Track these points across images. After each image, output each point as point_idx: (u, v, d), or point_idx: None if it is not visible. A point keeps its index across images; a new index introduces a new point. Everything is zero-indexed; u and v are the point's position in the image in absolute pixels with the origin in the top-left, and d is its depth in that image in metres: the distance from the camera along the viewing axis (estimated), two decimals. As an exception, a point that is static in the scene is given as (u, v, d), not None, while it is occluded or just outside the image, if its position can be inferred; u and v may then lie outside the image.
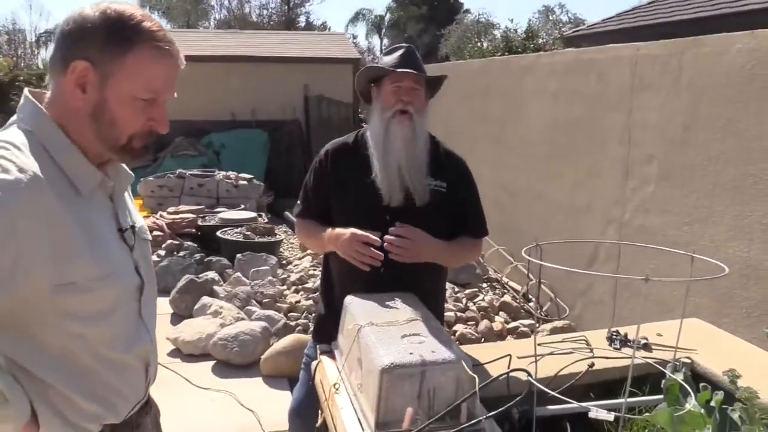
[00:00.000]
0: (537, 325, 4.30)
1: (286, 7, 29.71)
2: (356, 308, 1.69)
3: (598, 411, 1.16)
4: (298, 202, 2.13)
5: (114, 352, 1.16)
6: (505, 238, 5.08)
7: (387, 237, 1.83)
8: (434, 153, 1.99)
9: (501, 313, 4.49)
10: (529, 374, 1.35)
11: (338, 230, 1.90)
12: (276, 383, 3.57)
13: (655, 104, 3.45)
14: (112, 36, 1.08)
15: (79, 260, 1.07)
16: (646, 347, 2.07)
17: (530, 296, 4.88)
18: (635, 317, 3.21)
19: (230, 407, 3.34)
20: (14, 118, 1.13)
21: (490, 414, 1.30)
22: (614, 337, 2.12)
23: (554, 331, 3.86)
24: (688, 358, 2.00)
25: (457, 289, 4.68)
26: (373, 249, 1.82)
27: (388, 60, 1.94)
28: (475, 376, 1.32)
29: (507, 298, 4.70)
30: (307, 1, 30.49)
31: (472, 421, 1.28)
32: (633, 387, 1.79)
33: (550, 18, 21.79)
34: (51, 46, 1.15)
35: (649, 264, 3.41)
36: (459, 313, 4.27)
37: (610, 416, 1.16)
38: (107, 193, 1.19)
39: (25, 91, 1.14)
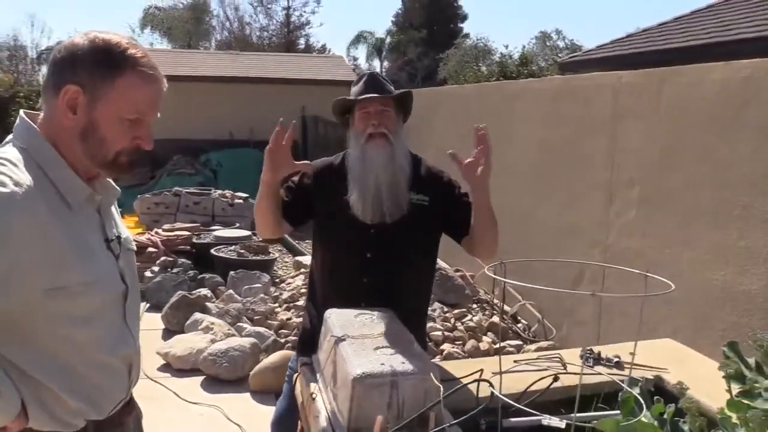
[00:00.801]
0: (521, 343, 4.36)
1: (286, 30, 30.10)
2: (334, 321, 1.77)
3: (550, 419, 1.23)
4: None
5: (100, 353, 1.25)
6: (493, 258, 5.16)
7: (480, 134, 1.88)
8: (416, 169, 2.08)
9: (489, 333, 4.56)
10: (491, 384, 1.42)
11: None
12: (264, 398, 3.63)
13: (637, 130, 3.56)
14: (100, 62, 1.18)
15: (69, 267, 1.16)
16: (618, 365, 2.14)
17: (519, 317, 4.95)
18: (620, 337, 3.29)
19: (218, 422, 3.39)
20: (10, 136, 1.23)
21: (454, 422, 1.38)
22: (587, 355, 2.20)
23: (539, 350, 3.92)
24: (659, 376, 2.08)
25: (446, 309, 4.75)
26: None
27: (355, 89, 2.05)
28: (441, 386, 1.40)
29: (495, 318, 4.76)
30: (307, 23, 30.92)
31: (436, 429, 1.35)
32: (603, 403, 1.86)
33: (547, 44, 22.10)
34: (44, 71, 1.25)
35: (633, 284, 3.48)
36: (447, 333, 4.34)
37: (562, 423, 1.23)
38: (95, 206, 1.29)
39: (21, 112, 1.25)
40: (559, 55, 18.76)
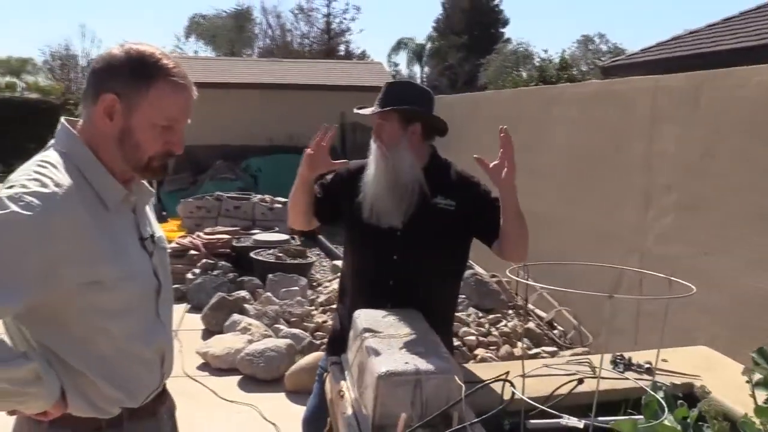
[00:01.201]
0: (556, 349, 4.32)
1: (327, 37, 30.43)
2: (362, 321, 1.81)
3: (569, 419, 1.24)
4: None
5: (134, 345, 1.33)
6: (535, 269, 5.12)
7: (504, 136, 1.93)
8: (444, 174, 2.11)
9: (524, 339, 4.53)
10: (513, 386, 1.44)
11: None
12: (298, 398, 3.69)
13: (675, 135, 3.51)
14: (135, 72, 1.26)
15: (105, 263, 1.23)
16: (649, 371, 2.12)
17: (555, 323, 4.91)
18: (657, 346, 3.25)
19: (254, 420, 3.47)
20: (52, 141, 1.32)
21: (476, 420, 1.40)
22: (618, 361, 2.19)
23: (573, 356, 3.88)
24: (690, 382, 2.05)
25: (480, 314, 4.75)
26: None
27: None
28: (463, 384, 1.42)
29: (531, 324, 4.73)
30: (347, 30, 31.20)
31: (458, 426, 1.38)
32: (632, 409, 1.86)
33: (590, 48, 21.79)
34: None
35: (667, 292, 3.44)
36: (481, 338, 4.33)
37: (580, 424, 1.24)
38: (130, 206, 1.37)
39: (62, 119, 1.33)
40: (602, 58, 18.50)
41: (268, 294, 5.24)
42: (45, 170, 1.20)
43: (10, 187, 1.16)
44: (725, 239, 3.16)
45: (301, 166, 2.07)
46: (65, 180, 1.21)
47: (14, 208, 1.11)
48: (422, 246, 2.02)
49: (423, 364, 1.52)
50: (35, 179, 1.17)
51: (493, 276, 5.39)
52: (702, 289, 3.46)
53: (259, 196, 8.10)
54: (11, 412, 1.25)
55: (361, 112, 2.11)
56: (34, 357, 1.18)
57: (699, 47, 10.32)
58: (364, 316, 1.85)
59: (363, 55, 31.08)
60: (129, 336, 1.31)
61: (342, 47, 30.85)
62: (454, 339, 4.22)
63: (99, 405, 1.29)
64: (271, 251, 6.31)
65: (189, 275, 5.75)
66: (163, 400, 1.48)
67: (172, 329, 1.44)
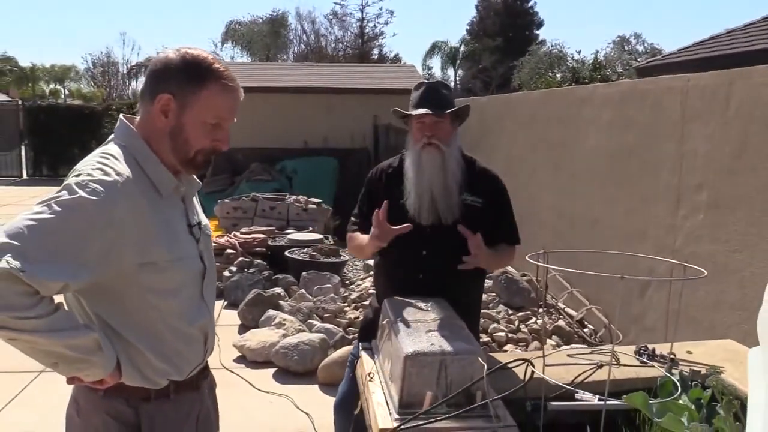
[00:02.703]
0: (586, 347, 4.34)
1: (361, 41, 30.70)
2: (392, 308, 1.91)
3: (583, 394, 1.32)
4: (353, 219, 2.38)
5: (180, 322, 1.45)
6: (561, 263, 5.16)
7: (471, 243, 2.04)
8: (470, 171, 2.19)
9: (554, 336, 4.57)
10: (532, 364, 1.52)
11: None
12: (331, 390, 3.79)
13: (705, 133, 3.52)
14: (189, 75, 1.39)
15: (158, 245, 1.36)
16: (673, 362, 2.17)
17: (585, 322, 4.93)
18: (687, 342, 3.26)
19: (288, 410, 3.60)
20: (112, 136, 1.45)
21: (497, 396, 1.48)
22: (642, 351, 2.24)
23: (603, 354, 3.91)
24: (714, 372, 2.09)
25: (510, 312, 4.79)
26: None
27: (414, 96, 2.18)
28: (485, 363, 1.51)
29: (561, 322, 4.76)
30: (380, 34, 31.43)
31: (479, 402, 1.46)
32: (654, 397, 1.92)
33: (626, 48, 21.50)
34: (141, 80, 1.47)
35: (699, 291, 3.46)
36: (510, 334, 4.38)
37: (594, 399, 1.31)
38: (180, 195, 1.50)
39: (121, 116, 1.47)
40: (638, 59, 18.26)
41: (302, 291, 5.38)
42: (107, 161, 1.33)
43: (77, 175, 1.30)
44: (757, 237, 3.16)
45: (371, 239, 2.13)
46: (125, 170, 1.34)
47: (81, 193, 1.24)
48: (451, 241, 2.10)
49: (448, 346, 1.61)
50: (99, 168, 1.31)
51: (524, 275, 5.43)
52: (734, 287, 3.48)
53: (294, 197, 8.26)
54: (70, 380, 1.37)
55: (416, 112, 2.13)
56: (94, 328, 1.31)
57: (736, 47, 10.16)
58: (393, 304, 1.95)
59: (396, 58, 31.26)
60: (177, 314, 1.44)
61: (375, 51, 31.08)
62: (484, 335, 4.28)
63: (149, 376, 1.42)
64: (305, 250, 6.45)
65: (226, 273, 5.92)
66: (205, 375, 1.60)
67: (214, 310, 1.56)
